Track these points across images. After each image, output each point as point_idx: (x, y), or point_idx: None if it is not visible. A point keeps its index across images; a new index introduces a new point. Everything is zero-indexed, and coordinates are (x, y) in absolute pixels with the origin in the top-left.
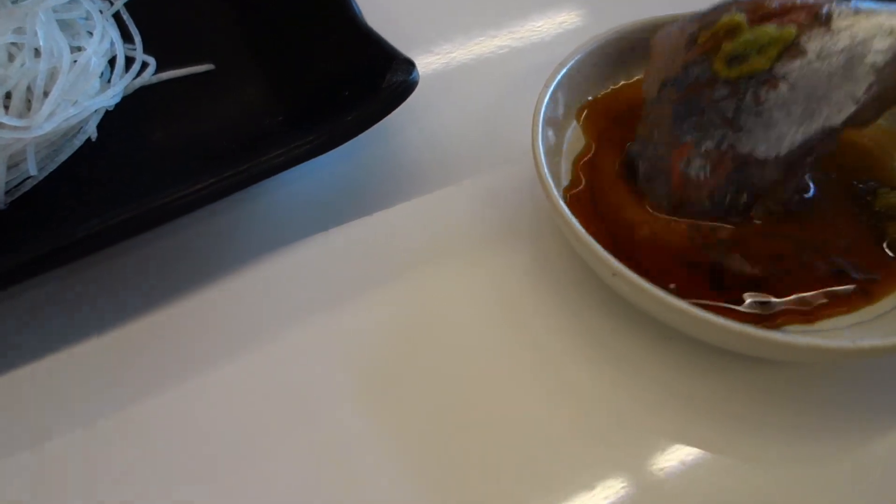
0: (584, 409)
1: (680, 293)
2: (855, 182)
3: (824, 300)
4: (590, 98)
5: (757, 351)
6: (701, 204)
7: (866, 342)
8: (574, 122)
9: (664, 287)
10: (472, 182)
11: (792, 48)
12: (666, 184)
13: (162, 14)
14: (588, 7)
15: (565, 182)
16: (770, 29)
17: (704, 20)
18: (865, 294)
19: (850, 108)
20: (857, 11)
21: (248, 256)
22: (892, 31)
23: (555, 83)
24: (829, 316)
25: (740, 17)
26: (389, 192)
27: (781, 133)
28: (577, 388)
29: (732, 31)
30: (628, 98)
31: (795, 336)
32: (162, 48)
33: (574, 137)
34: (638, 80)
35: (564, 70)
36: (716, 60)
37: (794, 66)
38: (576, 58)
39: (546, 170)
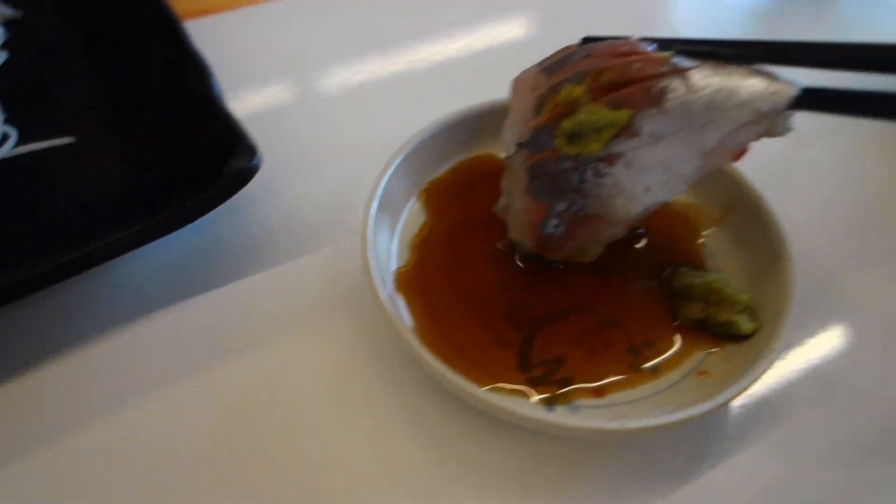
0: (394, 477)
1: (490, 371)
2: (662, 261)
3: (617, 375)
4: (431, 177)
5: (532, 427)
6: (560, 253)
7: (630, 424)
8: (414, 200)
9: (475, 366)
10: (319, 254)
11: (627, 128)
12: (528, 239)
13: (29, 86)
14: (441, 85)
15: (402, 261)
16: (605, 112)
17: (552, 80)
18: (653, 370)
19: (681, 187)
20: (690, 87)
21: (96, 329)
22: (723, 114)
23: (392, 167)
24: (619, 390)
25: (579, 92)
26: (241, 265)
27: (622, 203)
28: (391, 457)
29: (572, 105)
30: (468, 174)
31: (551, 415)
32: (26, 120)
33: (413, 215)
34: (479, 155)
35: (403, 154)
36: (557, 135)
37: (630, 146)
38: (416, 141)
39: (373, 254)
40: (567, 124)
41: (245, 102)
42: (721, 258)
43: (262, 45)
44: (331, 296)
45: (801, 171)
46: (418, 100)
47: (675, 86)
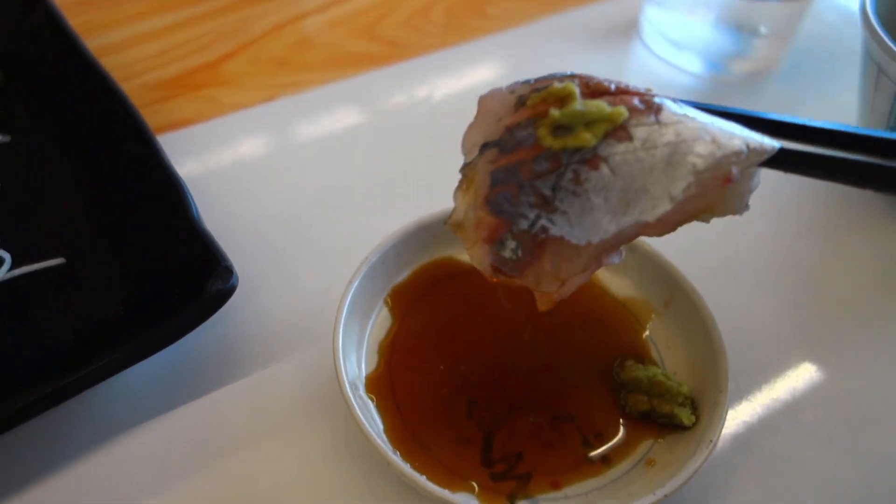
0: None
1: (455, 469)
2: (609, 353)
3: (571, 468)
4: (394, 282)
5: None
6: (516, 282)
7: None
8: (381, 306)
9: (442, 465)
10: (293, 361)
11: (620, 130)
12: (482, 262)
13: (19, 211)
14: (406, 188)
15: (372, 365)
16: (601, 105)
17: (537, 84)
18: (605, 460)
19: (666, 206)
20: (684, 112)
21: (89, 444)
22: (714, 139)
23: (358, 279)
24: (575, 481)
25: (573, 87)
26: (220, 375)
27: (596, 220)
28: None
29: (564, 99)
30: (429, 277)
31: None
32: (17, 244)
33: (380, 320)
34: (438, 259)
35: (367, 265)
36: (541, 126)
37: (619, 150)
38: (379, 252)
39: (341, 363)
40: (556, 114)
41: (220, 214)
42: (664, 349)
43: (231, 154)
44: (306, 402)
45: (735, 256)
46: (385, 200)
47: (670, 105)
